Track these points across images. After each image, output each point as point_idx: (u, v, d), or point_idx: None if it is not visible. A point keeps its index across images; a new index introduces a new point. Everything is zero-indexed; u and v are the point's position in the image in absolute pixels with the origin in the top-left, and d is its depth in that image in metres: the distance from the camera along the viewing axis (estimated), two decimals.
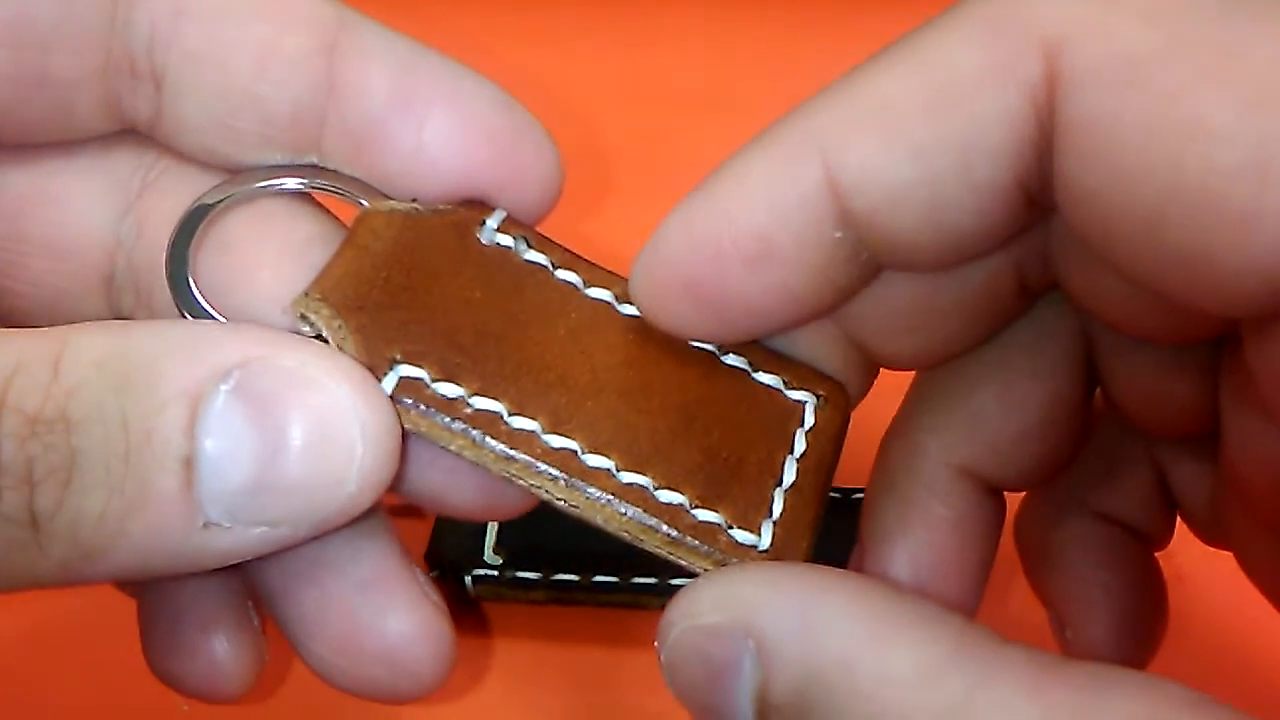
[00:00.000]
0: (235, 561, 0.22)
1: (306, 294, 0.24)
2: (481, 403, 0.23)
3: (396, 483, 0.24)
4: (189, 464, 0.21)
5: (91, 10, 0.24)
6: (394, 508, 0.42)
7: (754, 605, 0.21)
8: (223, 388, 0.21)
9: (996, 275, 0.25)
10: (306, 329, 0.24)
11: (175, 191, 0.26)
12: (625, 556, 0.38)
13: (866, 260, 0.23)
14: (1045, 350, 0.27)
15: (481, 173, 0.25)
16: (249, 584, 0.27)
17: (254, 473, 0.21)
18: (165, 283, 0.25)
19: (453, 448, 0.23)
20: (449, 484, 0.25)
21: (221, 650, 0.26)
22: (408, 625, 0.25)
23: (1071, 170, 0.21)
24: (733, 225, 0.23)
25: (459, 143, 0.25)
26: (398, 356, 0.23)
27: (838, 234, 0.23)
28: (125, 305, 0.27)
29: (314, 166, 0.26)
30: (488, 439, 0.23)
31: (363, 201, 0.25)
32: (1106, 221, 0.20)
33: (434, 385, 0.23)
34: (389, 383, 0.23)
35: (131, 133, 0.26)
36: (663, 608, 0.38)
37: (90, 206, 0.26)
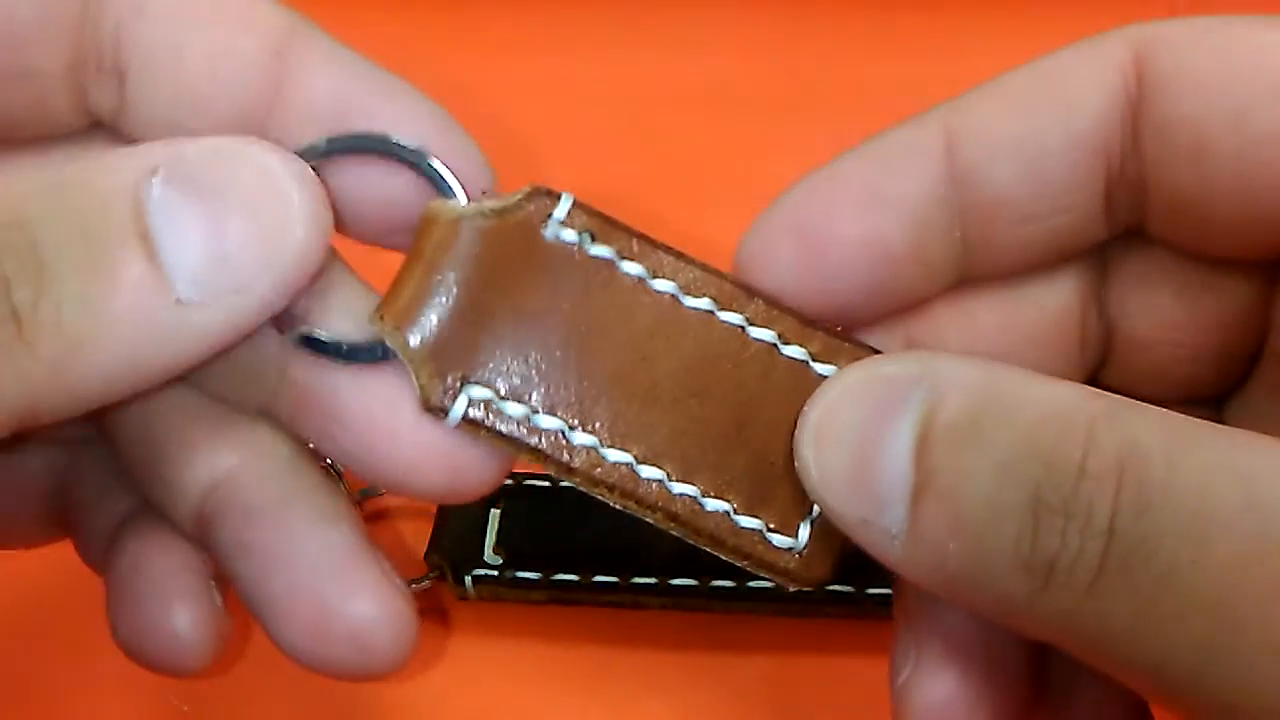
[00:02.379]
0: (220, 348, 0.23)
1: (382, 317, 0.25)
2: (546, 421, 0.25)
3: (361, 468, 0.25)
4: (146, 239, 0.22)
5: (66, 5, 0.25)
6: (392, 509, 0.42)
7: (934, 353, 0.24)
8: (154, 179, 0.23)
9: (1065, 310, 0.27)
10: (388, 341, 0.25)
11: None
12: (625, 557, 0.38)
13: (958, 240, 0.26)
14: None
15: (411, 185, 0.26)
16: (216, 567, 0.28)
17: (206, 238, 0.23)
18: None
19: (519, 459, 0.25)
20: (412, 470, 0.26)
21: (183, 624, 0.27)
22: (373, 608, 0.26)
23: (1165, 106, 0.24)
24: (850, 175, 0.26)
25: None
26: (467, 376, 0.25)
27: (942, 190, 0.25)
28: None
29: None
30: (551, 455, 0.25)
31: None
32: (1196, 121, 0.24)
33: (501, 404, 0.25)
34: (460, 403, 0.25)
35: (103, 133, 0.27)
36: (663, 608, 0.38)
37: None
